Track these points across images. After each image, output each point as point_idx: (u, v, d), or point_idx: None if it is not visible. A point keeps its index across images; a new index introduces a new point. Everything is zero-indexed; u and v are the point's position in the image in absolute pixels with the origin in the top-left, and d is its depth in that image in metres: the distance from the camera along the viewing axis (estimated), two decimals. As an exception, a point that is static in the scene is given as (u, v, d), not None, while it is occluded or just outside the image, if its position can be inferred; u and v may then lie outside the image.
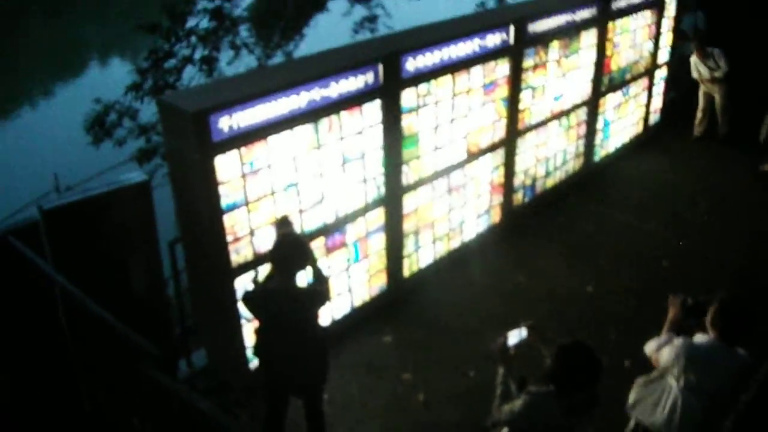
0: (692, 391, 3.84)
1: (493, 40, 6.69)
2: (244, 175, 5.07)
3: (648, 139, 9.89)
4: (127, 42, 19.17)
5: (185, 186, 5.21)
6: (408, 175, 6.36)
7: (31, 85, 24.14)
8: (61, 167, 9.81)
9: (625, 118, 9.35)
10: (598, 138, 8.88)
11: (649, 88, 9.67)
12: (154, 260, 5.48)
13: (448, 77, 6.35)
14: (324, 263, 5.23)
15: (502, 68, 6.92)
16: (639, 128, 9.80)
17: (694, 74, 9.51)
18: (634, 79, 9.21)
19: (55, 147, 15.34)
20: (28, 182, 10.99)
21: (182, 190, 5.27)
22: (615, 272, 7.17)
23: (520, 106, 7.33)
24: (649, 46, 9.29)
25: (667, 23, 9.48)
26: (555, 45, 7.53)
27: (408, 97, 6.06)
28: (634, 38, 8.89)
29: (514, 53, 6.97)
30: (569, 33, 7.60)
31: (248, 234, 5.22)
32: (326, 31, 14.13)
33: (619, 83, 8.89)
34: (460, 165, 6.88)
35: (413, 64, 6.00)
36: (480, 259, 7.31)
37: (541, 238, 7.75)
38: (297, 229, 4.74)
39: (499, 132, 7.21)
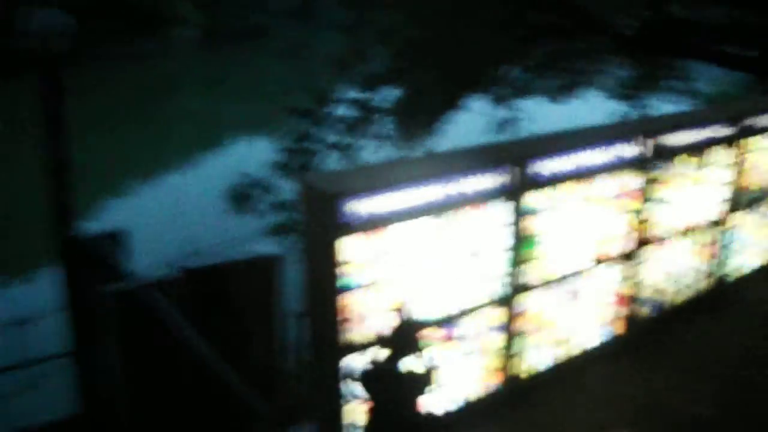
0: None
1: (624, 151, 6.90)
2: (366, 259, 5.41)
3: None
4: (269, 122, 20.44)
5: (315, 262, 5.60)
6: (529, 275, 6.52)
7: (178, 152, 26.09)
8: (196, 231, 10.55)
9: (760, 240, 9.15)
10: (731, 257, 8.74)
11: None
12: (276, 331, 5.86)
13: (574, 184, 6.55)
14: (432, 353, 5.46)
15: (632, 179, 7.07)
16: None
17: None
18: (770, 199, 9.06)
19: (193, 211, 16.46)
20: (160, 241, 11.86)
21: (312, 266, 5.66)
22: (740, 402, 6.98)
23: (649, 219, 7.40)
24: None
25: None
26: (687, 159, 7.58)
27: (534, 199, 6.29)
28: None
29: (646, 165, 7.10)
30: (702, 148, 7.65)
31: (364, 316, 5.51)
32: (468, 128, 14.65)
33: (755, 202, 8.78)
34: (583, 271, 6.99)
35: (543, 167, 6.26)
36: (598, 369, 7.32)
37: (662, 353, 7.70)
38: (413, 316, 5.01)
39: (626, 242, 7.28)
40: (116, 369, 5.27)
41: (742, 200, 8.59)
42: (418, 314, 4.96)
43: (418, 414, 4.76)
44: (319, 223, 5.43)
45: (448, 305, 6.08)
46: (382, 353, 4.83)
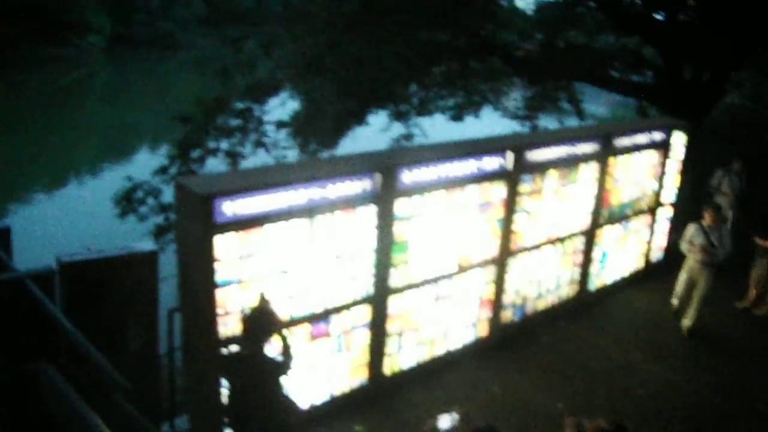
0: None
1: (490, 163, 7.58)
2: (240, 257, 5.89)
3: (648, 275, 10.54)
4: (171, 132, 20.76)
5: (188, 259, 6.06)
6: (396, 278, 7.11)
7: (83, 159, 26.06)
8: (92, 237, 10.83)
9: (624, 252, 10.06)
10: (595, 268, 9.64)
11: (652, 226, 10.39)
12: (152, 323, 6.27)
13: (442, 192, 7.20)
14: (289, 339, 5.92)
15: (498, 190, 7.80)
16: (640, 263, 10.49)
17: (683, 246, 9.05)
18: (636, 214, 9.97)
19: (91, 220, 16.62)
20: (54, 244, 12.08)
21: (185, 263, 6.11)
22: (588, 394, 7.73)
23: (514, 228, 8.14)
24: (653, 184, 10.09)
25: (673, 165, 10.28)
26: (553, 174, 8.35)
27: (401, 206, 6.90)
28: (637, 175, 9.70)
29: (510, 177, 7.82)
30: (568, 164, 8.44)
31: (238, 311, 5.99)
32: (366, 143, 15.32)
33: (619, 217, 9.69)
34: (449, 276, 7.63)
35: (409, 176, 6.88)
36: (461, 368, 7.97)
37: (524, 355, 8.41)
38: (270, 305, 5.50)
39: (492, 250, 7.98)
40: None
41: (607, 214, 9.41)
42: (275, 303, 5.43)
43: (276, 398, 5.25)
44: (192, 223, 5.89)
45: (318, 303, 6.59)
46: (240, 340, 5.32)
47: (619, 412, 7.40)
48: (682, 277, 9.13)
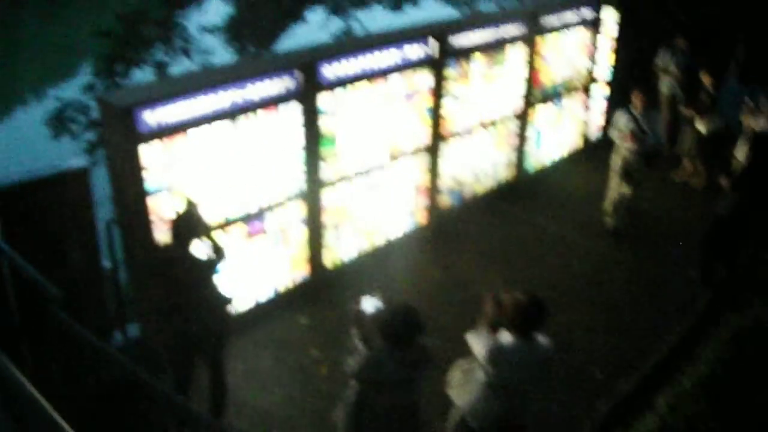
0: (492, 386, 4.78)
1: (413, 51, 7.79)
2: (167, 164, 6.14)
3: (587, 153, 10.92)
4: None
5: (117, 172, 6.29)
6: (327, 172, 7.40)
7: (25, 84, 25.71)
8: (33, 162, 10.98)
9: (560, 132, 10.40)
10: (531, 149, 9.97)
11: (587, 104, 10.72)
12: (91, 238, 6.53)
13: (366, 84, 7.43)
14: (220, 238, 6.18)
15: (424, 78, 8.02)
16: (577, 142, 10.84)
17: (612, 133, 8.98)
18: (569, 93, 10.27)
19: (32, 144, 16.66)
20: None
21: (115, 175, 6.35)
22: (525, 271, 8.21)
23: (444, 115, 8.40)
24: (585, 62, 10.35)
25: (605, 42, 10.52)
26: (480, 57, 8.57)
27: (325, 100, 7.13)
28: (568, 54, 9.95)
29: (435, 64, 8.04)
30: (494, 47, 8.65)
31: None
32: (305, 41, 15.33)
33: (552, 97, 9.97)
34: (381, 166, 7.95)
35: (330, 71, 7.08)
36: (403, 256, 8.36)
37: (464, 239, 8.85)
38: (204, 212, 5.78)
39: (422, 137, 8.27)
40: None
41: (539, 94, 9.70)
42: (201, 206, 5.72)
43: (211, 295, 5.60)
44: (116, 135, 6.11)
45: (251, 202, 6.89)
46: (170, 243, 5.62)
47: (556, 287, 7.91)
48: (616, 170, 8.86)
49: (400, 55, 7.72)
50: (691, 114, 9.86)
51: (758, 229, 7.90)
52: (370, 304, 4.87)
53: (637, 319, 7.63)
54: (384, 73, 7.63)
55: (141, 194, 6.12)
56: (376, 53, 7.50)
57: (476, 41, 8.54)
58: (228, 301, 5.82)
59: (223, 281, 5.86)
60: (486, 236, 8.94)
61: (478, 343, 4.78)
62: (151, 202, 6.18)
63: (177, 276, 5.42)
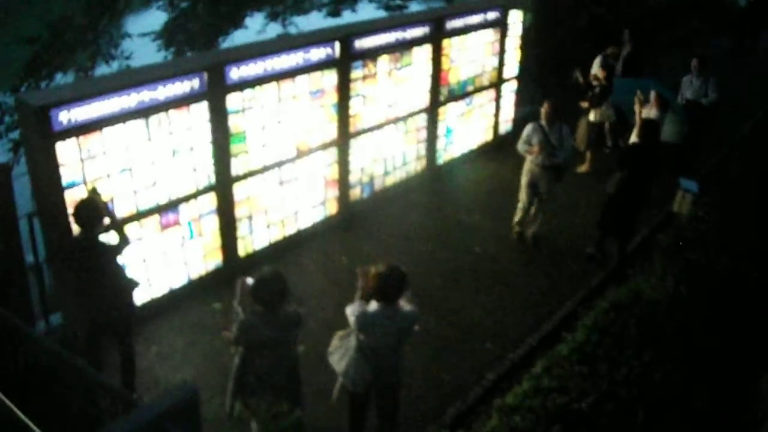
0: (362, 351, 5.66)
1: (318, 54, 8.70)
2: (82, 160, 6.96)
3: (497, 146, 11.95)
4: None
5: (35, 168, 7.09)
6: (237, 166, 8.28)
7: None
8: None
9: (470, 127, 11.42)
10: (441, 143, 10.97)
11: (497, 100, 11.73)
12: (13, 231, 7.29)
13: (273, 84, 8.30)
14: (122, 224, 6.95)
15: (329, 78, 8.94)
16: (488, 136, 11.87)
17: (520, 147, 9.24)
18: (478, 90, 11.27)
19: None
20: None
21: (34, 171, 7.14)
22: (430, 255, 9.18)
23: (351, 112, 9.34)
24: (493, 61, 11.37)
25: (513, 41, 11.56)
26: (385, 59, 9.51)
27: (233, 100, 7.99)
28: (474, 54, 10.94)
29: (340, 65, 8.96)
30: (399, 49, 9.60)
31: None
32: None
33: (461, 94, 10.97)
34: (291, 161, 8.84)
35: (237, 73, 7.95)
36: (313, 245, 9.29)
37: (372, 227, 9.79)
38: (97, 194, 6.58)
39: (330, 133, 9.19)
40: None
41: (447, 92, 10.68)
42: (103, 195, 6.55)
43: (117, 278, 6.44)
44: (33, 134, 6.91)
45: (164, 195, 7.72)
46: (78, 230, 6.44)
47: (460, 269, 8.89)
48: (523, 182, 9.20)
49: (305, 56, 8.60)
50: (585, 105, 10.93)
51: (642, 203, 8.90)
52: (251, 278, 5.69)
53: (532, 296, 8.62)
54: (290, 73, 8.50)
55: (58, 188, 6.91)
56: (283, 56, 8.38)
57: (381, 43, 9.46)
58: (135, 284, 6.66)
59: (132, 267, 6.70)
60: (395, 224, 9.88)
61: (350, 312, 5.69)
62: (68, 195, 6.97)
63: (81, 261, 6.23)
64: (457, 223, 9.95)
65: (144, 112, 7.32)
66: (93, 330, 6.60)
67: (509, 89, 12.04)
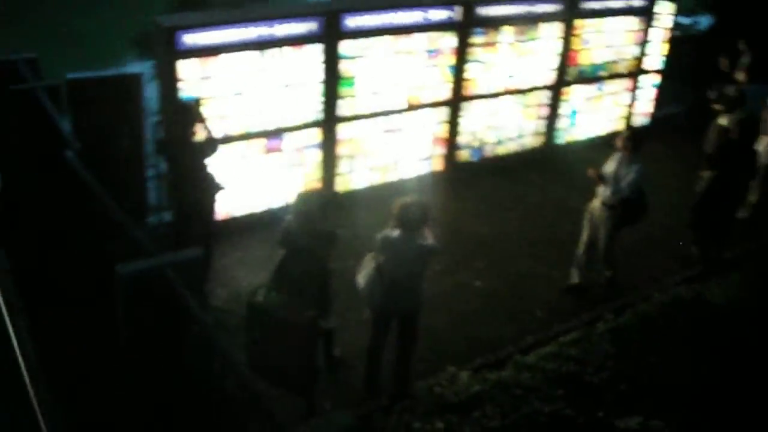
0: (379, 270, 6.41)
1: (437, 15, 9.71)
2: (200, 78, 8.40)
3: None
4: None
5: (161, 80, 8.62)
6: (344, 108, 9.45)
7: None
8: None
9: (598, 113, 11.97)
10: (563, 123, 11.64)
11: (633, 90, 12.18)
12: (139, 129, 8.81)
13: (388, 38, 9.40)
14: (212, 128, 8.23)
15: (447, 40, 9.89)
16: (619, 126, 12.33)
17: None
18: (612, 77, 11.81)
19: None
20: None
21: (161, 83, 8.67)
22: (518, 224, 9.99)
23: (467, 76, 10.24)
24: (633, 50, 11.83)
25: (658, 33, 11.95)
26: (509, 29, 10.34)
27: (347, 46, 9.17)
28: (612, 39, 11.49)
29: (460, 29, 9.90)
30: (525, 21, 10.39)
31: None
32: None
33: (591, 78, 11.56)
34: (399, 112, 9.91)
35: (353, 21, 9.12)
36: (411, 195, 10.21)
37: (472, 190, 10.64)
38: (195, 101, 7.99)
39: (443, 93, 10.16)
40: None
41: (575, 73, 11.31)
42: (201, 106, 7.90)
43: (202, 174, 7.81)
44: (161, 50, 8.44)
45: (271, 122, 9.04)
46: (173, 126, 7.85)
47: (540, 241, 9.59)
48: (585, 218, 8.55)
49: (425, 16, 9.62)
50: (718, 108, 11.09)
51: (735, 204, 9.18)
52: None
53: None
54: (407, 29, 9.57)
55: (175, 100, 8.39)
56: (401, 12, 9.45)
57: (505, 13, 10.30)
58: (220, 187, 8.01)
59: (231, 177, 8.04)
60: (495, 191, 10.71)
61: (377, 237, 6.67)
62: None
63: (172, 155, 7.66)
64: (558, 202, 10.53)
65: (260, 44, 8.65)
66: (182, 217, 8.00)
67: (649, 82, 12.43)
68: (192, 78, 8.39)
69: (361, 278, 6.68)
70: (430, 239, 6.49)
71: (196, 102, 7.94)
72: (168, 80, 8.37)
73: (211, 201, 8.07)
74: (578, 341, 7.35)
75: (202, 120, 7.77)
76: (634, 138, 8.12)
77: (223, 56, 8.49)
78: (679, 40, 12.71)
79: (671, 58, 12.48)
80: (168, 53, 8.23)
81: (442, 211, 10.05)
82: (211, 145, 7.82)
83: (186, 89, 8.38)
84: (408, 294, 6.58)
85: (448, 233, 9.53)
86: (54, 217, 7.58)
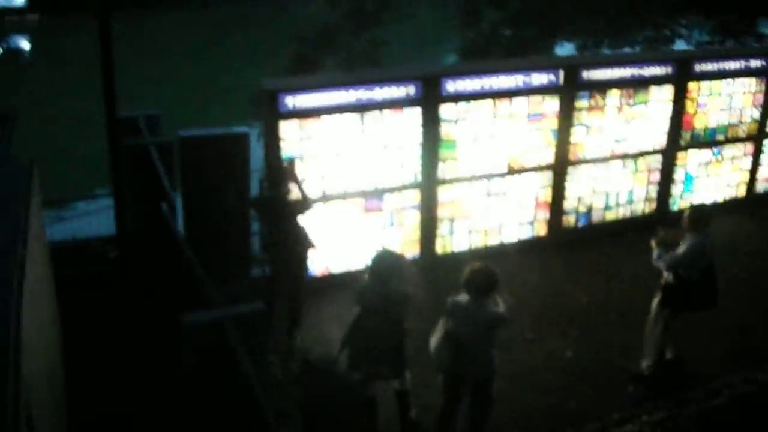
0: (447, 335, 6.45)
1: (539, 79, 9.99)
2: (300, 138, 8.97)
3: (750, 206, 12.13)
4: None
5: (266, 139, 9.24)
6: (445, 171, 9.81)
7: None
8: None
9: (716, 178, 11.83)
10: (677, 189, 11.57)
11: (755, 155, 11.98)
12: (245, 185, 9.45)
13: (489, 101, 9.74)
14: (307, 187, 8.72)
15: (550, 103, 10.15)
16: (739, 192, 12.11)
17: None
18: (731, 141, 11.69)
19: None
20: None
21: (266, 141, 9.29)
22: (620, 294, 9.89)
23: (572, 140, 10.42)
24: (754, 113, 11.70)
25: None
26: (616, 93, 10.49)
27: (447, 110, 9.57)
28: (730, 102, 11.41)
29: (564, 93, 10.13)
30: (633, 85, 10.50)
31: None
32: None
33: (707, 142, 11.48)
34: (501, 175, 10.19)
35: (453, 86, 9.53)
36: (511, 259, 10.43)
37: (578, 256, 10.69)
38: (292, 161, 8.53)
39: (546, 157, 10.38)
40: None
41: (689, 137, 11.27)
42: (296, 166, 8.42)
43: (295, 231, 8.29)
44: (264, 111, 9.08)
45: (370, 182, 9.49)
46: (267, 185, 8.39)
47: (636, 309, 9.47)
48: None
49: (526, 80, 9.93)
50: None
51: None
52: None
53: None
54: (508, 93, 9.88)
55: (278, 158, 8.96)
56: (501, 76, 9.79)
57: (611, 77, 10.46)
58: (311, 243, 8.46)
59: (311, 229, 8.51)
60: (600, 258, 10.70)
61: (447, 300, 6.81)
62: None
63: (265, 212, 8.20)
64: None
65: (360, 107, 9.16)
66: (273, 272, 8.49)
67: (772, 145, 12.21)
68: (293, 138, 8.97)
69: (433, 341, 6.81)
70: (501, 306, 6.54)
71: (290, 162, 8.47)
72: (271, 140, 8.96)
73: (302, 258, 8.51)
74: (663, 422, 7.27)
75: (295, 179, 8.26)
76: (694, 215, 7.81)
77: (323, 117, 9.03)
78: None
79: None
80: (270, 114, 8.86)
81: (542, 277, 10.18)
82: (304, 203, 8.29)
83: (288, 149, 8.95)
84: (477, 360, 6.63)
85: (547, 300, 9.67)
86: (148, 268, 8.23)
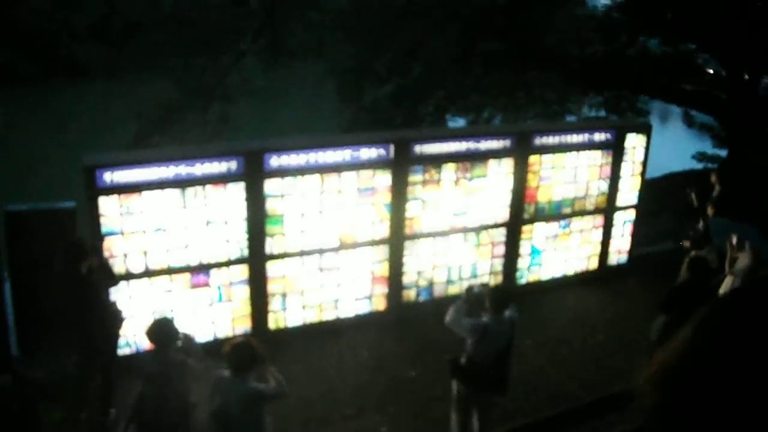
0: (214, 413, 6.90)
1: (368, 153, 10.79)
2: (120, 214, 9.64)
3: (604, 279, 12.93)
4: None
5: (88, 215, 9.91)
6: (273, 246, 10.50)
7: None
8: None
9: (565, 251, 12.64)
10: (524, 262, 12.36)
11: (606, 227, 12.82)
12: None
13: (316, 176, 10.48)
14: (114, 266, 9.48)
15: (382, 178, 10.91)
16: (591, 264, 12.92)
17: None
18: (579, 214, 12.54)
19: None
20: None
21: (88, 217, 9.95)
22: (445, 374, 10.49)
23: (408, 214, 11.18)
24: (602, 185, 12.58)
25: (629, 167, 12.67)
26: (451, 167, 11.29)
27: (272, 185, 10.30)
28: (575, 175, 12.26)
29: (395, 167, 10.91)
30: (470, 158, 11.33)
31: (122, 255, 9.69)
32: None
33: (554, 215, 12.32)
34: (333, 250, 10.88)
35: (277, 161, 10.28)
36: (346, 335, 11.08)
37: (412, 331, 11.39)
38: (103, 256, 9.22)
39: (381, 231, 11.11)
40: None
41: (533, 210, 12.10)
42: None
43: (105, 306, 8.89)
44: (85, 187, 9.75)
45: (195, 257, 10.17)
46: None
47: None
48: None
49: (354, 154, 10.71)
50: (686, 245, 11.59)
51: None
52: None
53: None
54: (336, 168, 10.65)
55: (97, 234, 9.61)
56: (328, 151, 10.56)
57: (446, 150, 11.28)
58: (121, 319, 9.07)
59: (119, 301, 9.14)
60: (434, 333, 11.29)
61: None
62: (106, 240, 9.64)
63: (67, 291, 8.80)
64: (527, 347, 11.08)
65: (181, 182, 9.89)
66: (82, 351, 9.06)
67: (623, 218, 13.04)
68: (113, 213, 9.65)
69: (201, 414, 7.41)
70: (272, 382, 6.97)
71: (85, 238, 9.12)
72: (91, 215, 9.62)
73: (111, 334, 9.10)
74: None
75: (93, 254, 8.88)
76: (494, 296, 8.37)
77: (144, 193, 9.73)
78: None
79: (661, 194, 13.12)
80: (89, 189, 9.55)
81: (372, 353, 10.80)
82: (110, 279, 8.92)
83: (108, 224, 9.62)
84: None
85: (374, 374, 10.32)
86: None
